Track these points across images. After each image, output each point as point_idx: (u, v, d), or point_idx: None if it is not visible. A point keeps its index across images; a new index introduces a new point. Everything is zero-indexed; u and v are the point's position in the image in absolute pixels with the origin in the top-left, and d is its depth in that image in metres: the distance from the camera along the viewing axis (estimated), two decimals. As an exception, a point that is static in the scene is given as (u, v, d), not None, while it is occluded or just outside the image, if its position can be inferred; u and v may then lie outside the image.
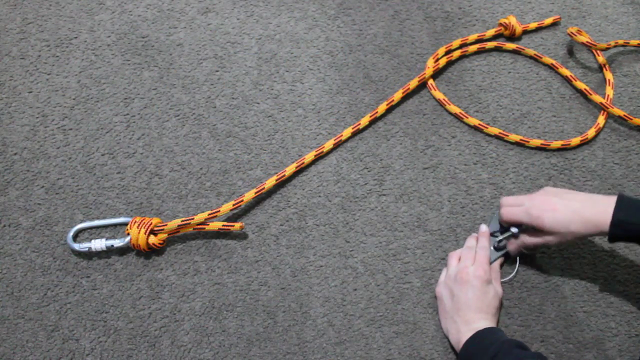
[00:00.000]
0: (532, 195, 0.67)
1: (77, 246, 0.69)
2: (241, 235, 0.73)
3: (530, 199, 0.67)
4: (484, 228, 0.72)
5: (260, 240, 0.73)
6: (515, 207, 0.68)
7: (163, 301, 0.68)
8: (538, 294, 0.71)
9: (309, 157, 0.76)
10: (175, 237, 0.72)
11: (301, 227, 0.74)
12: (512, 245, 0.70)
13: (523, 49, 0.88)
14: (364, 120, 0.80)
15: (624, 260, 0.74)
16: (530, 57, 0.89)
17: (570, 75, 0.87)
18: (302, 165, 0.76)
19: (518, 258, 0.72)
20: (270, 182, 0.73)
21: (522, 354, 0.59)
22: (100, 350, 0.66)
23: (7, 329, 0.66)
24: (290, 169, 0.75)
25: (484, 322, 0.64)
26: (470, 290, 0.65)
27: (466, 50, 0.87)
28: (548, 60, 0.88)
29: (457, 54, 0.87)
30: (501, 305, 0.69)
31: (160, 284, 0.69)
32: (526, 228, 0.68)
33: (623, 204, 0.61)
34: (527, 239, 0.67)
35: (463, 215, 0.76)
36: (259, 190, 0.72)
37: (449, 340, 0.67)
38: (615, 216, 0.60)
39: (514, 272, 0.72)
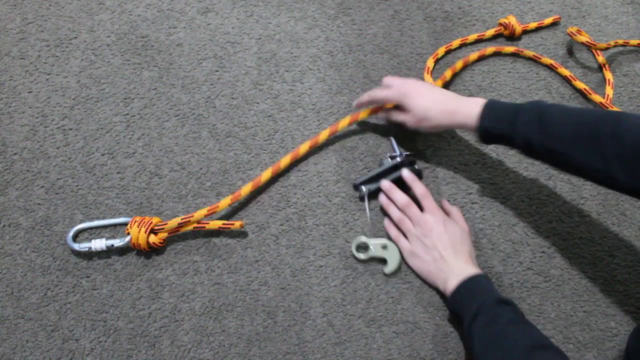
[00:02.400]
0: (405, 80, 0.74)
1: (77, 246, 0.69)
2: (241, 235, 0.73)
3: (403, 82, 0.74)
4: (386, 184, 0.74)
5: (260, 240, 0.73)
6: (386, 88, 0.74)
7: (163, 301, 0.68)
8: (538, 294, 0.71)
9: (304, 147, 0.76)
10: (175, 237, 0.72)
11: (301, 227, 0.74)
12: (382, 114, 0.78)
13: (522, 52, 0.88)
14: (363, 114, 0.79)
15: (623, 260, 0.74)
16: (530, 58, 0.89)
17: (570, 75, 0.87)
18: (297, 157, 0.76)
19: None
20: (265, 175, 0.73)
21: (502, 311, 0.60)
22: (100, 350, 0.66)
23: (7, 329, 0.66)
24: (284, 161, 0.75)
25: (465, 265, 0.66)
26: (441, 232, 0.69)
27: (467, 60, 0.86)
28: (547, 60, 0.88)
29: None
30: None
31: (160, 284, 0.69)
32: (396, 106, 0.75)
33: (489, 110, 0.66)
34: (391, 114, 0.76)
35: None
36: (256, 184, 0.72)
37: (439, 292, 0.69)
38: (482, 122, 0.66)
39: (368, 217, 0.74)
